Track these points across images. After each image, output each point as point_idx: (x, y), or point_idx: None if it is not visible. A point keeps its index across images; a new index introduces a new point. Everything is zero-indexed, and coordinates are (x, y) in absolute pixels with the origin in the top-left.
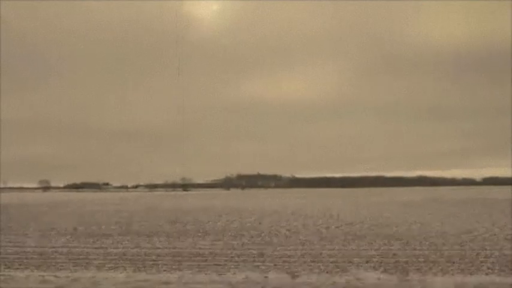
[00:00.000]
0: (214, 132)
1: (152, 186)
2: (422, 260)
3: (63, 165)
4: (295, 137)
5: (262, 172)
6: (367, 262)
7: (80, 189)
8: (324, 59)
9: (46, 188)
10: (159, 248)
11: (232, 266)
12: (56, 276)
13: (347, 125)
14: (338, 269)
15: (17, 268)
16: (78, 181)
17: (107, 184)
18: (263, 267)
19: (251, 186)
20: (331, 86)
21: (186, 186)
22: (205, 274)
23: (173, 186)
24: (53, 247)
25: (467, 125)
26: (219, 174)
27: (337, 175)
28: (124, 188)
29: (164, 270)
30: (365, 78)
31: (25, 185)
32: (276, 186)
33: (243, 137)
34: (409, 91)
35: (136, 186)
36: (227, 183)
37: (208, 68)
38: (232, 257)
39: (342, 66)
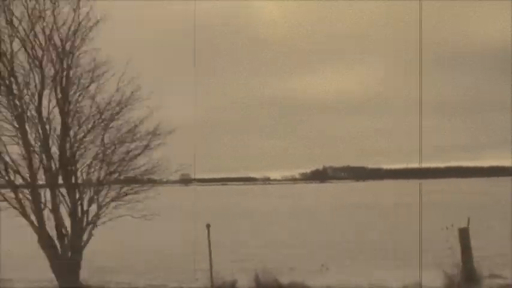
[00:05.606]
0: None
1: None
2: None
3: None
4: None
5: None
6: None
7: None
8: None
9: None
10: None
11: None
12: None
13: (416, 118)
14: None
15: None
16: None
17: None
18: None
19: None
20: (392, 80)
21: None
22: None
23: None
24: None
25: None
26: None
27: (414, 166)
28: (201, 181)
29: None
30: (416, 74)
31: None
32: (360, 178)
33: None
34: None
35: (226, 180)
36: (312, 176)
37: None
38: None
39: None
